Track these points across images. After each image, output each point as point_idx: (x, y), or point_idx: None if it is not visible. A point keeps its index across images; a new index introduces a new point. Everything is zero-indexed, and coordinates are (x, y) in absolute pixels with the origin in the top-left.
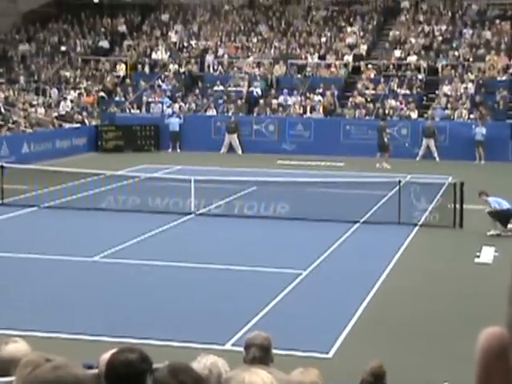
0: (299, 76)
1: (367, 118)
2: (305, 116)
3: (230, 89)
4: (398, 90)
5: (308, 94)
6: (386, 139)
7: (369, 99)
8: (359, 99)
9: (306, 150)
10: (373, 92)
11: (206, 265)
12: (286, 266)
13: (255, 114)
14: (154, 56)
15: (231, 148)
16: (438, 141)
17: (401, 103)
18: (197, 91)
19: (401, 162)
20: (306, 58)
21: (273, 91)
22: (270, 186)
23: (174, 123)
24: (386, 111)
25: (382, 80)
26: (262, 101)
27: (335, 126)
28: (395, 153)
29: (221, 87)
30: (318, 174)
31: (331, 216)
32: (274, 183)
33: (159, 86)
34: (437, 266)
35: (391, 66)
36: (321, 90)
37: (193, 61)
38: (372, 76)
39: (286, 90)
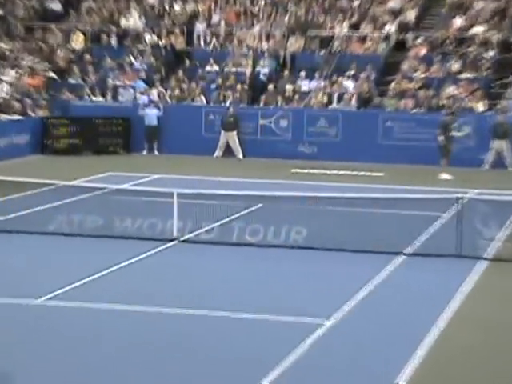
0: (323, 52)
1: (416, 110)
2: (330, 107)
3: (227, 69)
4: (459, 73)
5: (335, 78)
6: (449, 140)
7: (418, 85)
8: (405, 85)
9: (332, 153)
10: (424, 75)
11: (193, 310)
12: (302, 312)
13: (262, 105)
14: (123, 23)
15: (229, 150)
16: None
17: (463, 91)
18: (182, 72)
19: (461, 172)
20: (332, 27)
21: (286, 73)
22: (282, 204)
23: (151, 116)
24: (443, 102)
25: (438, 59)
26: (271, 86)
27: (372, 121)
28: (454, 159)
29: (215, 67)
30: (347, 187)
31: (365, 245)
32: (286, 199)
33: (131, 64)
34: (510, 318)
35: (450, 40)
36: (352, 72)
37: (177, 30)
38: (423, 53)
39: (304, 72)
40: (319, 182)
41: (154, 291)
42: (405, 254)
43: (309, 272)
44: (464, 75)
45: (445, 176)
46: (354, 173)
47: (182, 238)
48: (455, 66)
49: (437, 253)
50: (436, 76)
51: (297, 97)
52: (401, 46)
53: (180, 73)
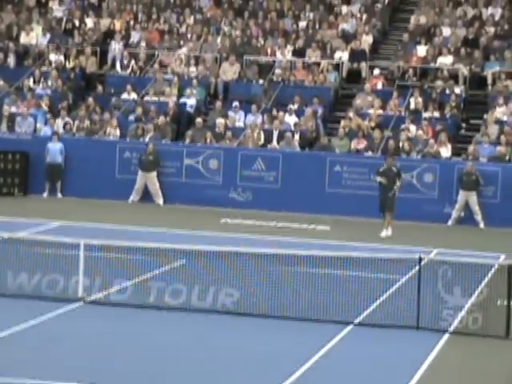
0: (261, 82)
1: (369, 153)
2: (269, 147)
3: (147, 98)
4: (422, 112)
5: (275, 112)
6: (393, 189)
7: (373, 124)
8: (358, 123)
9: (269, 202)
10: (380, 112)
11: None
12: None
13: (188, 141)
14: (23, 40)
15: (147, 194)
16: (482, 195)
17: (425, 132)
18: (93, 100)
19: (423, 228)
20: (272, 53)
21: (218, 105)
22: (209, 260)
23: (54, 151)
24: (401, 144)
25: (396, 94)
26: (199, 120)
27: (317, 164)
28: (414, 213)
29: (133, 95)
30: (287, 242)
31: (308, 312)
32: (214, 255)
33: (31, 89)
34: None
35: (411, 72)
36: (296, 107)
37: (88, 50)
38: (379, 86)
39: (238, 104)
40: (254, 235)
41: (49, 362)
42: (355, 324)
43: (240, 343)
44: (427, 114)
45: (386, 232)
46: (296, 225)
47: (88, 299)
48: (417, 102)
49: (392, 324)
50: (394, 114)
51: (229, 133)
52: (354, 77)
53: (90, 101)
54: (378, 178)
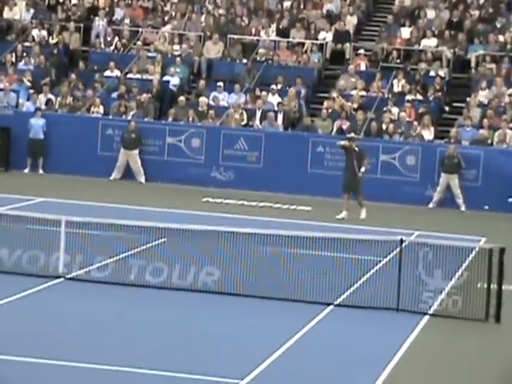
0: (245, 61)
1: (352, 134)
2: (251, 127)
3: (130, 76)
4: (405, 94)
5: (258, 92)
6: (358, 170)
7: (356, 105)
8: (340, 104)
9: (251, 181)
10: (363, 93)
11: (81, 364)
12: (212, 372)
13: (170, 120)
14: (6, 14)
15: (129, 172)
16: (464, 178)
17: (408, 114)
18: (76, 77)
19: (404, 210)
20: (257, 32)
21: (201, 84)
22: (190, 239)
23: (37, 127)
24: (384, 126)
25: (379, 75)
26: (182, 98)
27: (300, 145)
28: (396, 195)
29: (116, 72)
30: (269, 222)
31: (288, 293)
32: (195, 234)
33: (13, 63)
34: None
35: (395, 54)
36: (279, 87)
37: (72, 26)
38: (363, 68)
39: (222, 84)
40: (235, 214)
41: (27, 338)
42: (335, 305)
43: (220, 322)
44: (410, 96)
45: (363, 214)
46: (277, 205)
47: (68, 275)
48: (400, 84)
49: (372, 305)
50: (377, 95)
51: (212, 112)
52: (337, 58)
53: (73, 77)
54: (342, 142)
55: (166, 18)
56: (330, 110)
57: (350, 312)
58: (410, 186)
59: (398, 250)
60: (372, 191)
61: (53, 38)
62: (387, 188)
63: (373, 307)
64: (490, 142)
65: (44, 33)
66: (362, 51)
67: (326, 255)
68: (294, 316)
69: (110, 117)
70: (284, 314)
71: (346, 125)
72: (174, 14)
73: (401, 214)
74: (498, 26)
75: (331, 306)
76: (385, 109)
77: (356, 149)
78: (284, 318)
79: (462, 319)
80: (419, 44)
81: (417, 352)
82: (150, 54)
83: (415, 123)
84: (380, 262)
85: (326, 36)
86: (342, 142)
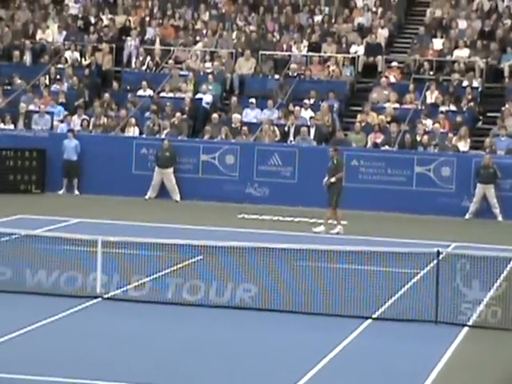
0: (277, 77)
1: (386, 147)
2: (285, 143)
3: (163, 95)
4: (438, 105)
5: (291, 107)
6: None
7: (389, 118)
8: (374, 117)
9: (286, 197)
10: (396, 106)
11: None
12: None
13: (205, 137)
14: (39, 36)
15: (163, 191)
16: (500, 188)
17: (442, 126)
18: (109, 97)
19: (440, 222)
20: (288, 47)
21: (234, 100)
22: (226, 256)
23: (70, 149)
24: (418, 137)
25: (412, 87)
26: (215, 116)
27: None
28: (431, 206)
29: (149, 92)
30: (305, 237)
31: (326, 307)
32: (231, 250)
33: (47, 86)
34: None
35: (427, 65)
36: (312, 102)
37: (104, 47)
38: (395, 80)
39: (254, 100)
40: (271, 230)
41: (69, 359)
42: (373, 319)
43: (259, 338)
44: (443, 107)
45: (336, 230)
46: (313, 220)
47: (106, 295)
48: (433, 96)
49: (410, 318)
50: (410, 108)
51: (245, 129)
52: (370, 71)
53: (107, 97)
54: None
55: (198, 37)
56: (363, 124)
57: (389, 325)
58: (445, 198)
59: (435, 261)
60: (407, 203)
61: (85, 59)
62: (423, 200)
63: (411, 320)
64: None
65: (77, 54)
66: (394, 63)
67: (363, 269)
68: (333, 330)
69: (144, 136)
70: (322, 328)
71: (379, 138)
72: (205, 31)
73: (437, 226)
74: None
75: (369, 320)
76: (418, 121)
77: (335, 160)
78: (322, 333)
79: (501, 330)
80: (451, 55)
81: (456, 365)
82: (182, 73)
83: (450, 134)
84: (417, 274)
85: (358, 49)
86: (329, 180)
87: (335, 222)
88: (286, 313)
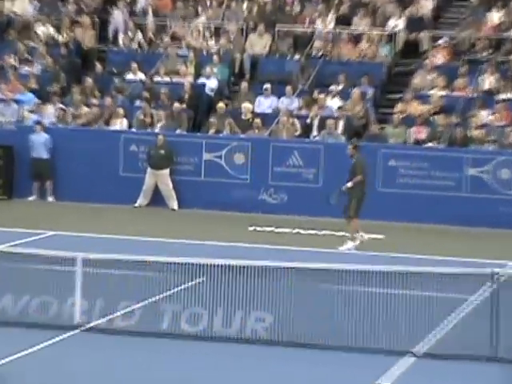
0: (297, 57)
1: (432, 144)
2: (307, 138)
3: (157, 79)
4: (496, 92)
5: (315, 94)
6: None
7: (436, 108)
8: (416, 107)
9: (309, 205)
10: (444, 93)
11: None
12: None
13: (209, 132)
14: (5, 8)
15: (158, 197)
16: None
17: (500, 118)
18: (92, 82)
19: (499, 236)
20: (311, 22)
21: (244, 86)
22: (235, 277)
23: (38, 145)
24: (470, 132)
25: (463, 71)
26: (221, 105)
27: (368, 159)
28: (488, 217)
29: (140, 75)
30: (332, 254)
31: (356, 341)
32: (241, 271)
33: (15, 68)
34: None
35: (482, 44)
36: (340, 88)
37: (85, 20)
38: (442, 61)
39: (268, 86)
40: (290, 245)
41: None
42: (413, 355)
43: (276, 379)
44: (502, 95)
45: (347, 246)
46: (341, 233)
47: (86, 326)
48: (489, 81)
49: (461, 354)
50: (461, 95)
51: (258, 121)
52: (411, 51)
53: (88, 82)
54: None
55: (200, 8)
56: (403, 115)
57: (432, 363)
58: (506, 206)
59: (491, 284)
60: (457, 213)
61: (62, 36)
62: (477, 209)
63: (460, 356)
64: None
65: (51, 29)
66: (441, 41)
67: (401, 293)
68: (365, 369)
69: (134, 130)
70: (352, 366)
71: (423, 132)
72: (208, 2)
73: (495, 241)
74: None
75: (408, 356)
76: (471, 112)
77: (354, 160)
78: (352, 372)
79: None
80: (511, 29)
81: None
82: (180, 52)
83: (508, 128)
84: (469, 300)
85: (397, 24)
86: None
87: (348, 235)
88: (307, 347)
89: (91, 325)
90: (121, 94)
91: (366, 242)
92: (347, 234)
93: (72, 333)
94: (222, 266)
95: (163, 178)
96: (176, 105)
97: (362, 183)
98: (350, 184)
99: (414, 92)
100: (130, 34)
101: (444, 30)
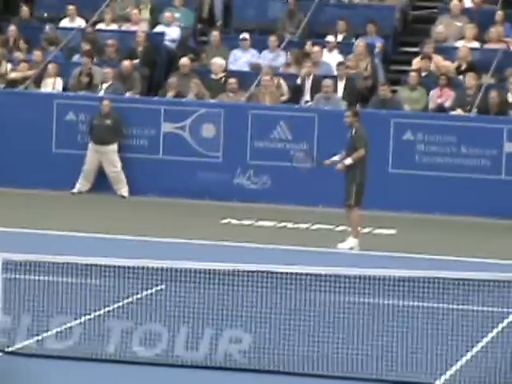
0: None
1: (459, 112)
2: (297, 105)
3: (101, 27)
4: None
5: (307, 48)
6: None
7: (465, 65)
8: (439, 64)
9: (298, 191)
10: (475, 45)
11: None
12: None
13: (168, 95)
14: None
15: (102, 181)
16: None
17: None
18: (15, 30)
19: None
20: None
21: (214, 36)
22: (203, 285)
23: None
24: (509, 97)
25: (500, 16)
26: (185, 61)
27: (376, 129)
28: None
29: (79, 22)
30: (329, 255)
31: (356, 367)
32: (211, 277)
33: None
34: None
35: None
36: (340, 39)
37: None
38: (472, 3)
39: (246, 35)
40: (273, 243)
41: None
42: None
43: None
44: None
45: (347, 243)
46: (341, 228)
47: (9, 348)
48: None
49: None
50: (498, 48)
51: (233, 81)
52: None
53: (11, 31)
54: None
55: None
56: (422, 74)
57: None
58: None
59: None
60: (493, 201)
61: None
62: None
63: None
64: None
65: None
66: None
67: (418, 306)
68: None
69: (71, 93)
70: None
71: (448, 97)
72: None
73: None
74: None
75: None
76: (511, 70)
77: (353, 131)
78: None
79: None
80: None
81: None
82: None
83: None
84: (508, 315)
85: None
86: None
87: (350, 229)
88: (295, 375)
89: (15, 347)
90: (54, 46)
91: (372, 235)
92: (348, 229)
93: None
94: (186, 270)
95: (109, 156)
96: (126, 63)
97: (362, 161)
98: (348, 160)
99: (436, 44)
100: None
101: None
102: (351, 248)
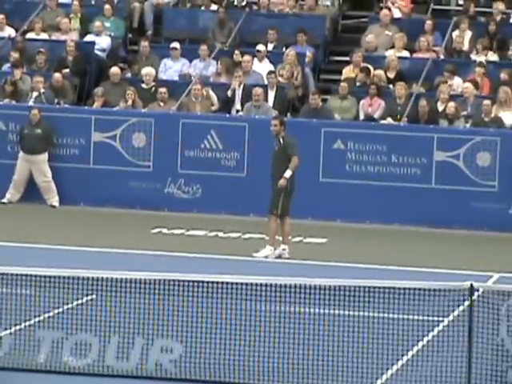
0: (214, 8)
1: (389, 121)
2: (228, 114)
3: (31, 36)
4: (472, 53)
5: (237, 57)
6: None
7: (393, 74)
8: (370, 73)
9: (229, 201)
10: (404, 55)
11: None
12: None
13: (96, 105)
14: None
15: (32, 191)
16: None
17: (477, 87)
18: None
19: (479, 239)
20: None
21: (144, 46)
22: (133, 295)
23: None
24: (440, 105)
25: (430, 25)
26: (115, 70)
27: (306, 138)
28: (463, 215)
29: (9, 31)
30: (261, 264)
31: (292, 378)
32: (142, 287)
33: None
34: None
35: None
36: (270, 48)
37: None
38: (402, 13)
39: (177, 45)
40: (204, 253)
41: None
42: None
43: None
44: (479, 57)
45: (263, 252)
46: (271, 237)
47: None
48: (464, 39)
49: None
50: (427, 58)
51: (164, 91)
52: (362, 0)
53: None
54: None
55: None
56: (352, 84)
57: None
58: (484, 201)
59: (468, 302)
60: (423, 210)
61: None
62: (448, 205)
63: None
64: None
65: None
66: None
67: (352, 315)
68: None
69: (0, 102)
70: None
71: (378, 106)
72: None
73: (471, 246)
74: None
75: None
76: (440, 78)
77: (281, 139)
78: None
79: None
80: None
81: None
82: (62, 1)
83: (487, 101)
84: (440, 323)
85: None
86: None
87: (281, 239)
88: None
89: None
90: None
91: (303, 245)
92: (266, 237)
93: None
94: (117, 280)
95: (40, 166)
96: (57, 75)
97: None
98: (288, 173)
99: (366, 53)
100: None
101: None
102: (266, 256)
